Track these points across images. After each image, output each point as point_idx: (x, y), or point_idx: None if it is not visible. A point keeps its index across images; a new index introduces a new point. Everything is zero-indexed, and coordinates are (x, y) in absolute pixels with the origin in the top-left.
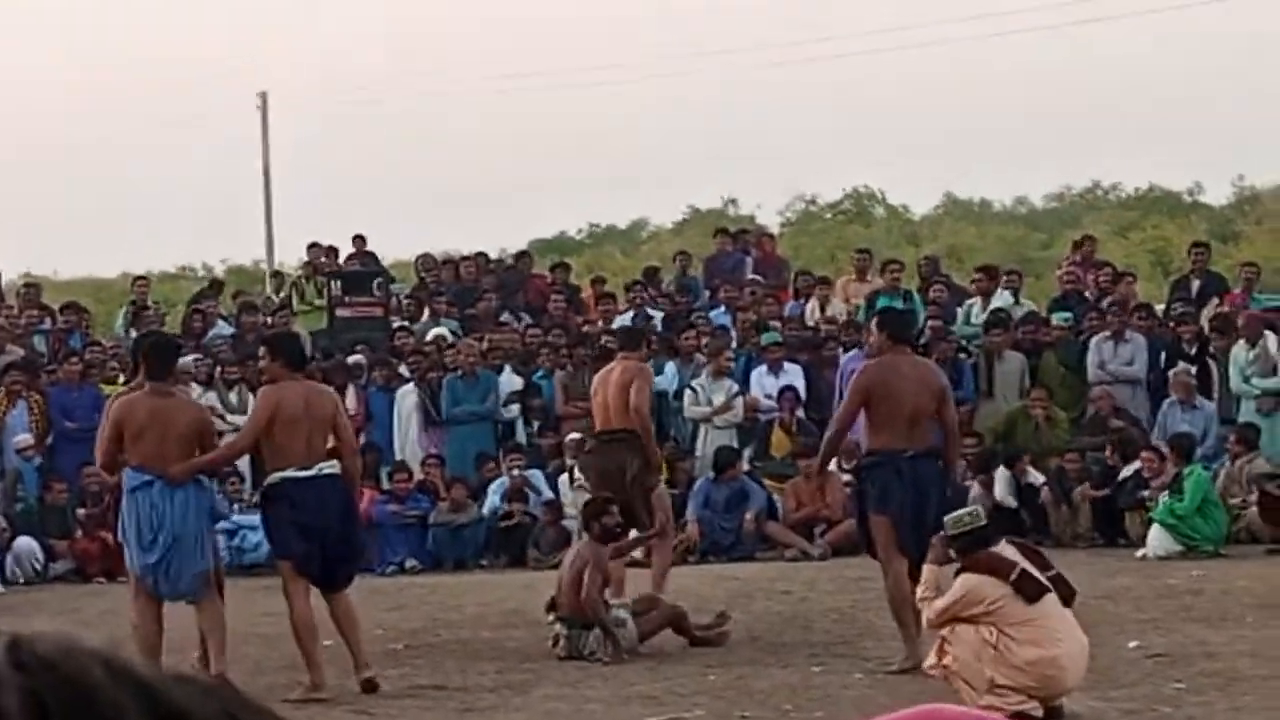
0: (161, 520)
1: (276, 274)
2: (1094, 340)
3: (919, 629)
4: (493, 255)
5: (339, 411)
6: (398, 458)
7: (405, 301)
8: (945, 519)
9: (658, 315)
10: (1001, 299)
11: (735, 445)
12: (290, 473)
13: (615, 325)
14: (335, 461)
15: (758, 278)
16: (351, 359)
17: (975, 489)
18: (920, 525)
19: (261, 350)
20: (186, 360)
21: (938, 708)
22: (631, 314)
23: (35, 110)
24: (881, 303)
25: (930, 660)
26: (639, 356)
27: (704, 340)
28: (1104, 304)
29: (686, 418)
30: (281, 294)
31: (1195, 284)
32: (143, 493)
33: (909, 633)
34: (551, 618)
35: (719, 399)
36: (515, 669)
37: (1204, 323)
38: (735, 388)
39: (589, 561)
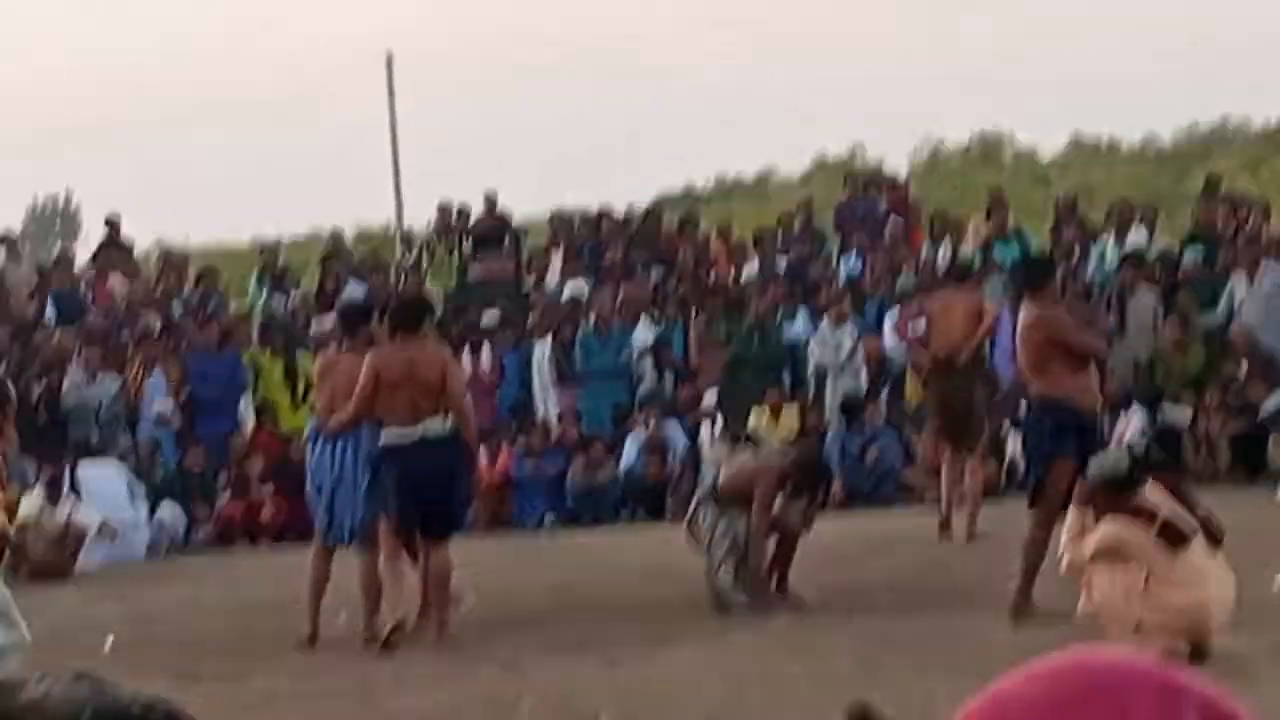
0: (320, 468)
1: (406, 238)
2: (1233, 276)
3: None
4: (621, 210)
5: (448, 374)
6: (538, 415)
7: (536, 259)
8: (1090, 463)
9: (782, 264)
10: (1139, 235)
11: (863, 393)
12: (392, 433)
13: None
14: (443, 421)
15: (899, 219)
16: (485, 318)
17: (1126, 426)
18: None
19: None
20: (327, 322)
21: (1089, 650)
22: (759, 264)
23: (159, 78)
24: (996, 247)
25: (1081, 603)
26: (970, 288)
27: (832, 288)
28: (1238, 239)
29: (816, 365)
30: (412, 254)
31: None
32: (311, 443)
33: None
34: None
35: (846, 345)
36: (658, 621)
37: None
38: (856, 333)
39: (763, 477)
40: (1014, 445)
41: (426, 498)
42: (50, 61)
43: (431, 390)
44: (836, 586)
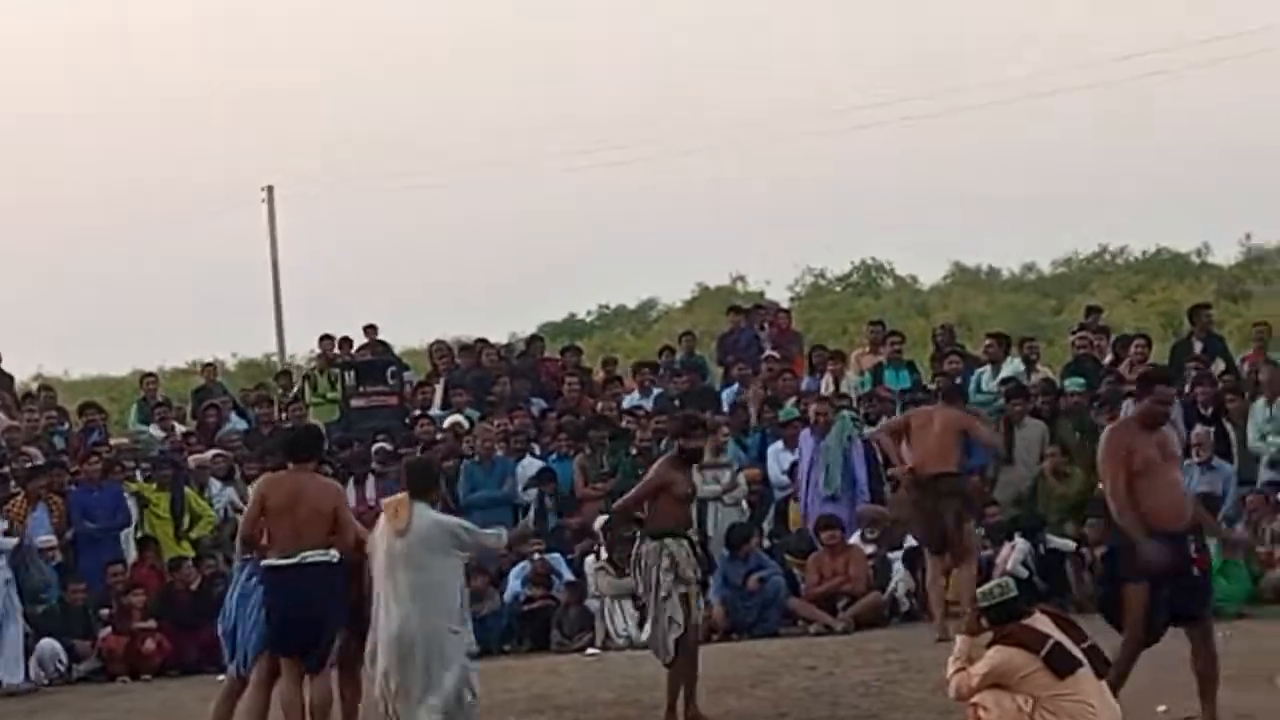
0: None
1: (284, 373)
2: (1125, 404)
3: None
4: (504, 340)
5: (341, 506)
6: None
7: (419, 390)
8: (977, 590)
9: (663, 394)
10: (1012, 367)
11: (745, 521)
12: (271, 559)
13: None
14: (328, 550)
15: (774, 354)
16: (375, 448)
17: (1009, 555)
18: None
19: None
20: (205, 456)
21: None
22: (639, 395)
23: (38, 211)
24: (887, 374)
25: None
26: (958, 407)
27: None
28: (1122, 367)
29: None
30: (294, 389)
31: (1197, 346)
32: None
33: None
34: None
35: (724, 477)
36: None
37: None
38: (736, 464)
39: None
40: (898, 573)
41: (300, 625)
42: None
43: (318, 519)
44: (722, 716)
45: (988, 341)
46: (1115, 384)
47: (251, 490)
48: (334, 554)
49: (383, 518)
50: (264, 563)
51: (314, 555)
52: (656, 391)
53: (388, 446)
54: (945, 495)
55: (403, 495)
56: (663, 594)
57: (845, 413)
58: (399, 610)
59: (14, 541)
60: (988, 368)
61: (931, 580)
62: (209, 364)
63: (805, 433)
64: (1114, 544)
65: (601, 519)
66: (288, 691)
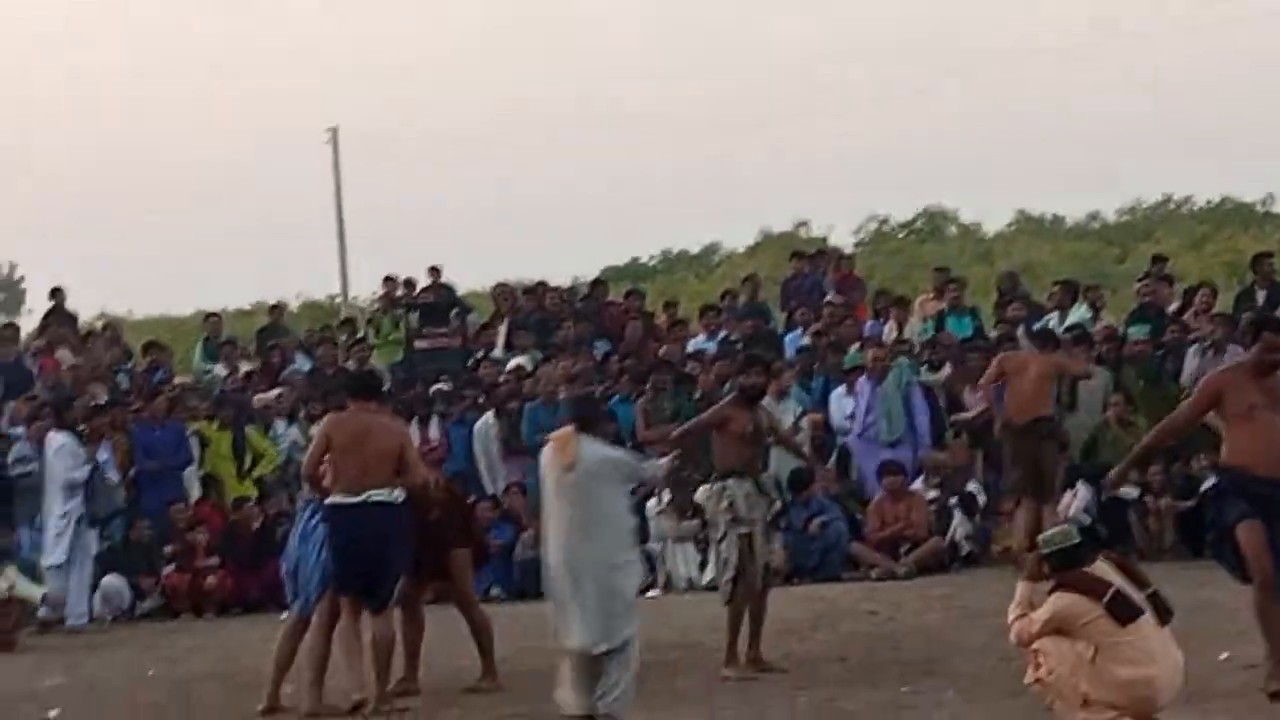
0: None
1: (348, 321)
2: (1191, 350)
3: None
4: (567, 284)
5: (407, 446)
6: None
7: (483, 332)
8: (1039, 537)
9: (726, 338)
10: (1079, 314)
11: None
12: (336, 498)
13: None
14: (392, 490)
15: (836, 299)
16: (434, 389)
17: (1071, 502)
18: None
19: None
20: (269, 395)
21: None
22: (705, 338)
23: (105, 151)
24: (949, 321)
25: (1028, 675)
26: (1050, 352)
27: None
28: (1186, 316)
29: None
30: (359, 333)
31: (1260, 295)
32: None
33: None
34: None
35: (787, 421)
36: None
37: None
38: (799, 409)
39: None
40: (958, 518)
41: (364, 563)
42: None
43: (385, 458)
44: (783, 658)
45: (1055, 288)
46: (1180, 333)
47: (316, 429)
48: (399, 494)
49: (549, 451)
50: (328, 500)
51: (379, 494)
52: (720, 335)
53: (445, 387)
54: (1044, 438)
55: (568, 429)
56: (718, 535)
57: (903, 359)
58: (569, 543)
59: (88, 469)
60: (1055, 314)
61: (1024, 517)
62: (275, 305)
63: (863, 379)
64: (1217, 486)
65: (663, 460)
66: (348, 631)
